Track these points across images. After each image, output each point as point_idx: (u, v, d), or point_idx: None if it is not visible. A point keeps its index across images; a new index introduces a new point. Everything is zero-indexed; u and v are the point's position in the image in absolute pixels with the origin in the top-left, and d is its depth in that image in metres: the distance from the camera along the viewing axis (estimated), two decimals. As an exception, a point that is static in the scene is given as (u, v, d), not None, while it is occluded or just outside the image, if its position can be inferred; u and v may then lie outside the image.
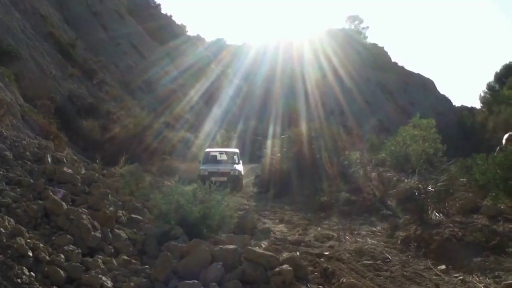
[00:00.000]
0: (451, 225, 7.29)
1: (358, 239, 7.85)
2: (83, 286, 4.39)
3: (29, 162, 7.83)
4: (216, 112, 25.88)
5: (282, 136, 17.39)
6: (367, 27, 63.89)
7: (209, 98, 27.81)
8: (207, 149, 18.18)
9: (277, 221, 9.81)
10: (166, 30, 34.32)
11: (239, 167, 16.18)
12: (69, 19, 23.48)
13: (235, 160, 17.00)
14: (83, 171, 8.46)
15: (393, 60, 51.93)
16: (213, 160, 17.22)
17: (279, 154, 15.59)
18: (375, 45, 52.26)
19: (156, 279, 4.84)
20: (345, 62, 40.02)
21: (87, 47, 22.53)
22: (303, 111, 27.06)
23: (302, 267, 5.53)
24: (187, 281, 4.54)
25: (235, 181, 14.86)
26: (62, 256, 4.77)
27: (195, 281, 4.58)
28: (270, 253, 5.52)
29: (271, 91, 35.12)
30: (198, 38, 43.08)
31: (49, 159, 8.38)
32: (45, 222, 5.58)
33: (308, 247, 7.10)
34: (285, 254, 6.04)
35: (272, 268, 5.18)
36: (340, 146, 14.97)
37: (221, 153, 18.31)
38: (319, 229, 8.74)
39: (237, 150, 18.35)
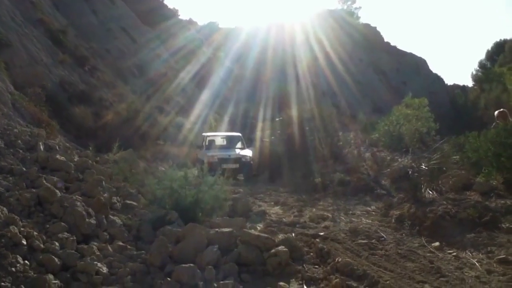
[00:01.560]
0: (444, 202, 7.35)
1: (353, 219, 7.90)
2: (78, 273, 4.39)
3: (21, 151, 7.79)
4: (207, 95, 25.64)
5: (276, 119, 17.32)
6: (360, 8, 63.58)
7: (200, 81, 27.58)
8: (208, 134, 16.60)
9: (272, 203, 9.85)
10: (157, 14, 33.84)
11: (249, 152, 14.80)
12: (59, 5, 23.04)
13: (242, 145, 15.61)
14: (76, 158, 8.41)
15: (385, 40, 51.74)
16: (218, 145, 15.73)
17: (273, 137, 15.55)
18: (367, 25, 51.93)
19: (152, 264, 4.86)
20: (337, 43, 39.74)
21: (78, 33, 22.19)
22: (294, 93, 26.92)
23: (297, 248, 5.58)
24: (183, 265, 4.55)
25: (247, 168, 13.93)
26: (57, 243, 4.76)
27: (191, 264, 4.60)
28: (265, 235, 5.57)
29: (263, 74, 34.89)
30: (190, 22, 42.56)
31: (42, 147, 8.34)
32: (38, 210, 5.56)
33: (304, 228, 7.14)
34: (281, 236, 6.10)
35: (268, 250, 5.22)
36: (333, 127, 14.98)
37: (225, 137, 16.79)
38: (314, 210, 8.79)
39: (240, 134, 16.89)
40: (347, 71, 36.90)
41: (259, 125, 18.58)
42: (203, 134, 16.50)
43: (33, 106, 11.80)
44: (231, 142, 16.10)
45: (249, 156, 14.34)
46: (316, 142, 13.86)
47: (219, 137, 16.83)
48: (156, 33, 30.10)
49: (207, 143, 15.26)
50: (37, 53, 16.37)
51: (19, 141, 8.18)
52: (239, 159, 13.98)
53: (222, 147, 15.52)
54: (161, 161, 13.58)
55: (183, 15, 60.20)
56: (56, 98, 14.80)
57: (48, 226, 5.21)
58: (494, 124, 9.67)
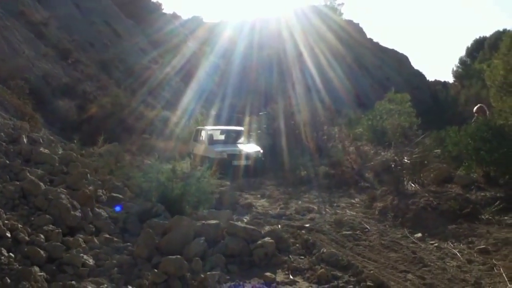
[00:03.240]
0: (426, 194, 7.51)
1: (338, 211, 7.99)
2: (64, 265, 4.38)
3: (4, 143, 7.68)
4: (193, 89, 25.49)
5: (260, 113, 17.31)
6: (342, 4, 64.08)
7: (186, 75, 27.42)
8: (208, 127, 15.25)
9: (259, 196, 9.88)
10: (140, 8, 33.51)
11: (257, 147, 13.56)
12: (40, -3, 22.71)
13: (247, 140, 14.46)
14: (60, 151, 8.34)
15: (368, 36, 52.08)
16: (221, 140, 14.45)
17: (259, 131, 15.55)
18: (350, 21, 52.18)
19: (139, 256, 4.86)
20: (321, 39, 39.83)
21: (61, 26, 21.87)
22: (280, 88, 27.01)
23: (283, 239, 5.64)
24: (170, 257, 4.56)
25: (260, 164, 12.83)
26: (42, 236, 4.74)
27: (178, 256, 4.61)
28: (252, 227, 5.62)
29: (249, 69, 34.84)
30: (174, 16, 42.20)
31: (25, 140, 8.23)
32: (23, 203, 5.53)
33: (289, 220, 7.22)
34: (267, 228, 6.16)
35: (254, 241, 5.28)
36: (318, 121, 15.07)
37: (227, 131, 15.21)
38: (299, 202, 8.87)
39: (242, 128, 15.48)
40: (332, 67, 37.05)
41: (246, 119, 18.50)
42: (199, 127, 15.34)
43: (16, 99, 11.63)
44: (235, 136, 14.76)
45: (260, 152, 13.28)
46: (302, 136, 13.92)
47: (224, 131, 15.41)
48: (141, 28, 29.83)
49: (208, 138, 13.95)
50: (18, 46, 16.12)
51: (2, 134, 8.07)
52: (250, 156, 12.87)
53: (226, 142, 14.18)
54: (147, 154, 13.46)
55: (166, 9, 59.70)
56: (40, 91, 14.61)
57: (33, 218, 5.18)
58: (474, 118, 9.88)
